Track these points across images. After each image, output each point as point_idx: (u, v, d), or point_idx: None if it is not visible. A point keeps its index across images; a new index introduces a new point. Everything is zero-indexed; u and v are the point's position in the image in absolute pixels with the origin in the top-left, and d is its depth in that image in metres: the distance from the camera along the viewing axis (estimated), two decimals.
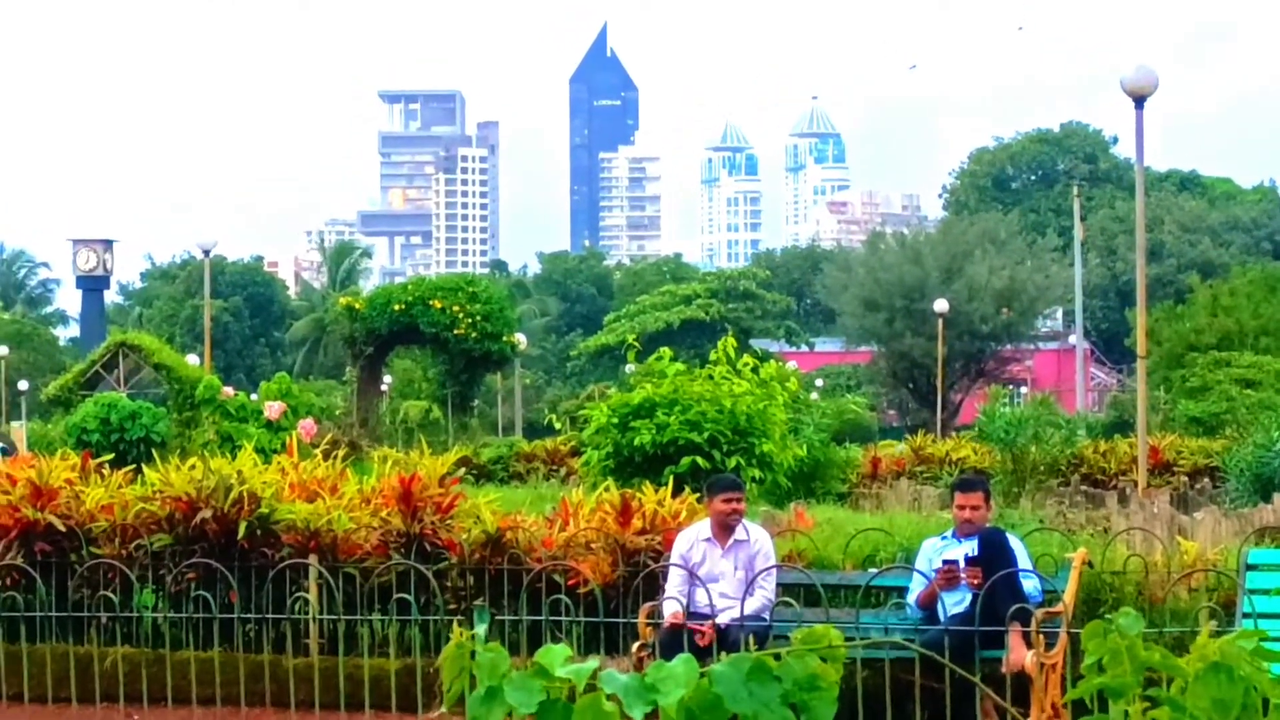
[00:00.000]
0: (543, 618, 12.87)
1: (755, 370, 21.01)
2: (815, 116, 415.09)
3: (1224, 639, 3.26)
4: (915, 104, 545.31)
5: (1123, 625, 3.30)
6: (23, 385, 77.67)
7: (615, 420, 19.79)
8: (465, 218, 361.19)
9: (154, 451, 19.47)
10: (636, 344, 24.83)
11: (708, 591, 11.84)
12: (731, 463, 19.07)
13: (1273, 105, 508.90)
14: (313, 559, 13.67)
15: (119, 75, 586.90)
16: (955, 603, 11.69)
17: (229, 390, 33.60)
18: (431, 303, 52.61)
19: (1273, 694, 3.23)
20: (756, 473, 19.39)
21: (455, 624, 4.85)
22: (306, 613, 13.60)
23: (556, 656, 3.14)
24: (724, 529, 12.36)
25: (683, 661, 3.12)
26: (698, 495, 14.28)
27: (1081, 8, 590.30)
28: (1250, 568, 11.97)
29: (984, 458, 33.25)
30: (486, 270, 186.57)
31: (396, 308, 52.88)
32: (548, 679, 3.10)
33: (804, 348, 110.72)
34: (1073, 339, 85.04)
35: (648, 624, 12.20)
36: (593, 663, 3.15)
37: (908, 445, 39.52)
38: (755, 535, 12.52)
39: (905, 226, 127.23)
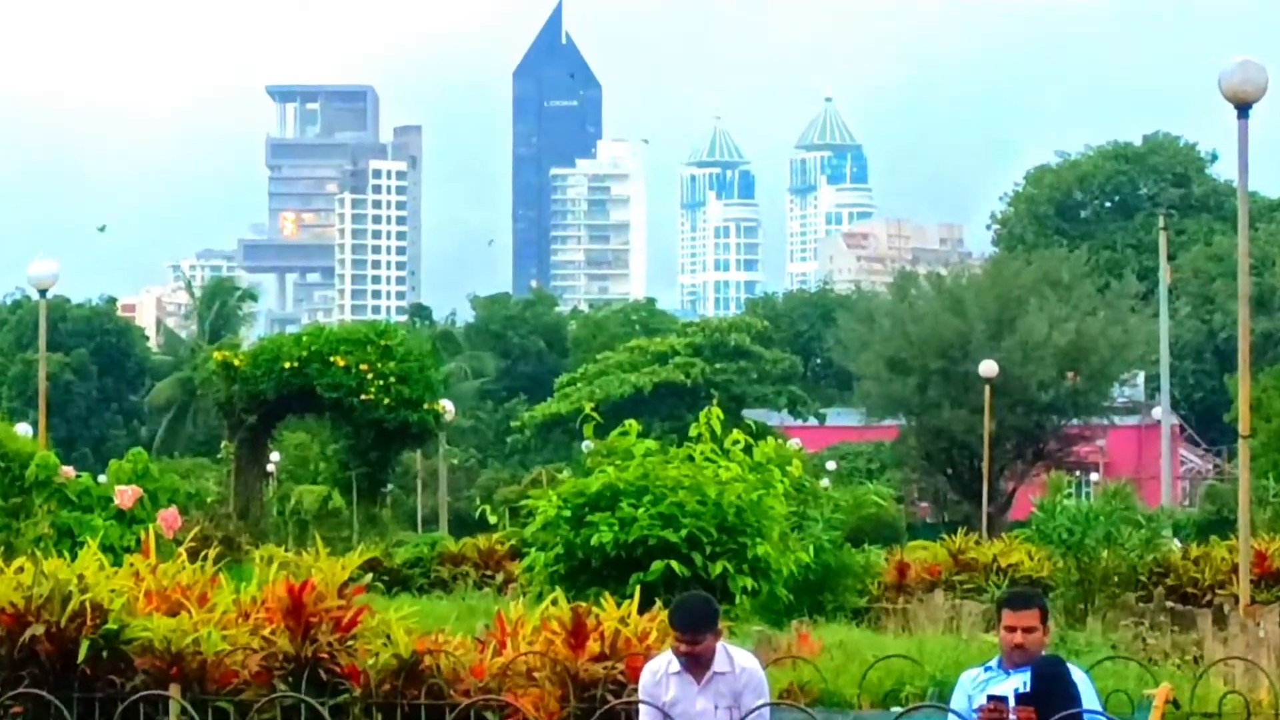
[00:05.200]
0: None
1: (748, 450, 21.03)
2: (828, 123, 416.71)
3: None
4: (957, 108, 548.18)
5: None
6: None
7: (567, 513, 19.81)
8: (378, 249, 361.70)
9: None
10: (596, 414, 24.82)
11: None
12: (717, 569, 19.08)
13: None
14: (174, 689, 13.64)
15: None
16: None
17: (69, 470, 33.47)
18: (333, 359, 52.55)
19: None
20: (749, 582, 19.38)
21: None
22: None
23: None
24: (694, 664, 12.24)
25: None
26: None
27: None
28: None
29: (1041, 564, 33.31)
30: (404, 318, 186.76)
31: (287, 365, 52.78)
32: None
33: (812, 421, 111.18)
34: (1157, 412, 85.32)
35: None
36: None
37: (944, 547, 39.59)
38: (741, 664, 12.43)
39: (943, 265, 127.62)
